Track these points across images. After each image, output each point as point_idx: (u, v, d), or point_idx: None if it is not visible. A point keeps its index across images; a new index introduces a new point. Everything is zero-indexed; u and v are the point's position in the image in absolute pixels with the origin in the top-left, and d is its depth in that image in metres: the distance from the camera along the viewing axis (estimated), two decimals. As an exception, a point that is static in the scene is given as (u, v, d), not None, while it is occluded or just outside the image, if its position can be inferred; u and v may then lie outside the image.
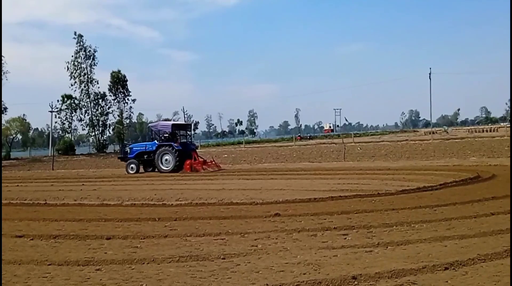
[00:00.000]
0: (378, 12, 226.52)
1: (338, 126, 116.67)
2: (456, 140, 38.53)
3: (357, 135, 75.85)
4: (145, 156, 22.89)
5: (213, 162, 23.03)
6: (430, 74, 53.13)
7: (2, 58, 57.59)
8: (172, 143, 22.15)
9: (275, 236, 6.99)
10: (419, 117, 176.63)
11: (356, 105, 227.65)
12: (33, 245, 7.09)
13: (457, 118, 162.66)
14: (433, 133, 55.12)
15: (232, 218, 8.72)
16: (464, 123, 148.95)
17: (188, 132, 25.27)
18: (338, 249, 6.06)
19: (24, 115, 79.32)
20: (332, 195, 10.90)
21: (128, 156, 23.42)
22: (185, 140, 23.76)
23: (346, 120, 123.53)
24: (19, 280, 5.19)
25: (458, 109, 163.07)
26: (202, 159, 23.00)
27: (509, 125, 54.03)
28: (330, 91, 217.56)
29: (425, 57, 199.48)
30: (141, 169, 23.21)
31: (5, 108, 59.53)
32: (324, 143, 48.95)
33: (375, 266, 5.18)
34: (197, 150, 23.69)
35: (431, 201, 9.89)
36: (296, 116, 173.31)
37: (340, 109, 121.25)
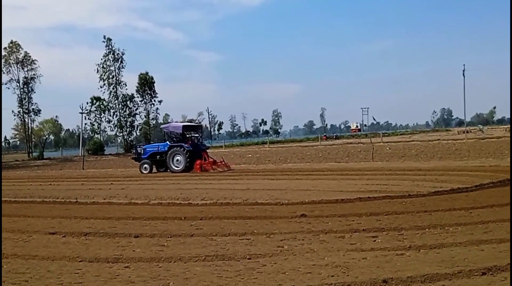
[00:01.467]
0: (406, 7, 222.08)
1: (365, 125, 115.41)
2: (492, 140, 37.44)
3: (386, 134, 74.68)
4: (157, 157, 23.41)
5: (223, 162, 23.26)
6: (463, 70, 52.18)
7: (36, 62, 59.42)
8: (183, 144, 22.64)
9: (302, 237, 6.93)
10: (452, 116, 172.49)
11: (384, 103, 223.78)
12: (65, 242, 7.25)
13: (493, 117, 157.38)
14: (467, 132, 53.66)
15: (257, 218, 8.69)
16: (501, 121, 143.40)
17: (199, 133, 25.71)
18: (367, 252, 5.95)
19: (56, 116, 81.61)
20: (360, 196, 10.71)
21: (142, 156, 24.02)
22: (196, 141, 24.20)
23: (374, 119, 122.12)
24: (52, 276, 5.31)
25: (494, 107, 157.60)
26: (212, 159, 23.31)
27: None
28: (357, 90, 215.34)
29: (459, 53, 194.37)
30: (154, 169, 23.66)
31: (39, 110, 61.44)
32: (351, 143, 48.48)
33: (407, 270, 5.06)
34: (207, 151, 24.13)
35: (466, 203, 9.62)
36: (321, 115, 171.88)
37: (368, 108, 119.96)
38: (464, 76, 51.78)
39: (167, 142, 23.67)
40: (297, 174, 18.14)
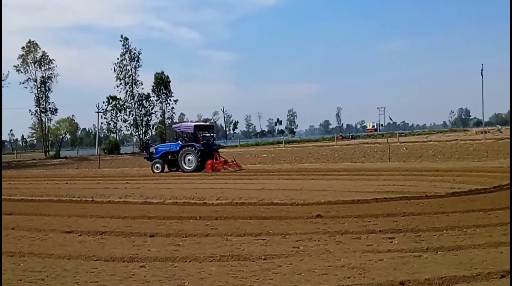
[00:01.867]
0: (423, 5, 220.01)
1: (382, 125, 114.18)
2: (511, 140, 36.78)
3: (403, 134, 74.00)
4: (169, 156, 23.56)
5: (234, 162, 23.31)
6: (482, 70, 51.32)
7: (53, 62, 60.21)
8: (194, 144, 22.74)
9: (317, 238, 6.86)
10: (470, 116, 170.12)
11: (401, 103, 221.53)
12: (81, 240, 7.30)
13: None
14: (486, 132, 52.81)
15: (272, 218, 8.64)
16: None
17: (210, 132, 25.86)
18: (384, 253, 5.86)
19: (73, 115, 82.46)
20: (377, 196, 10.58)
21: (154, 156, 24.17)
22: (208, 141, 24.33)
23: (391, 119, 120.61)
24: (68, 275, 5.35)
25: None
26: (224, 159, 23.38)
27: None
28: (374, 89, 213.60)
29: (477, 53, 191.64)
30: (166, 169, 23.85)
31: (56, 109, 62.26)
32: (367, 143, 48.13)
33: (424, 272, 4.97)
34: (219, 150, 24.29)
35: (485, 204, 9.42)
36: (337, 115, 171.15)
37: (384, 107, 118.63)
38: (482, 76, 50.97)
39: (179, 141, 23.82)
40: (312, 174, 18.04)
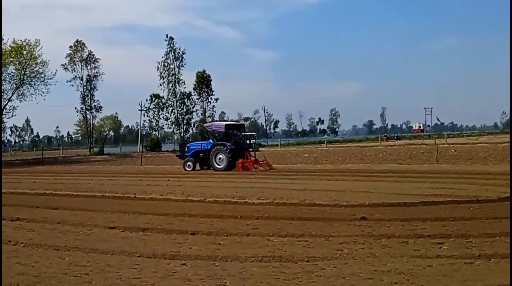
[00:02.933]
0: (473, 1, 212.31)
1: (428, 126, 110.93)
2: None
3: (451, 135, 71.67)
4: (200, 155, 23.88)
5: (265, 161, 23.28)
6: (537, 68, 48.86)
7: (99, 61, 62.22)
8: (226, 143, 22.86)
9: (362, 241, 6.65)
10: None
11: (449, 103, 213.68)
12: (124, 236, 7.40)
13: None
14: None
15: (315, 219, 8.46)
16: None
17: (241, 132, 26.00)
18: (433, 259, 5.60)
19: (116, 113, 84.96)
20: (424, 200, 10.17)
21: (186, 154, 24.55)
22: (240, 140, 24.48)
23: (438, 119, 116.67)
24: (112, 270, 5.41)
25: None
26: (254, 158, 23.36)
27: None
28: (420, 88, 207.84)
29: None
30: (197, 167, 24.15)
31: (100, 107, 64.39)
32: (413, 144, 46.92)
33: (476, 280, 4.71)
34: (250, 150, 24.25)
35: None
36: (381, 115, 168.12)
37: (431, 107, 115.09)
38: (538, 75, 48.54)
39: (210, 140, 24.14)
40: (356, 175, 17.64)
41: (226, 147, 22.61)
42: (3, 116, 46.64)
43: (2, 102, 45.53)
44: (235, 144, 23.23)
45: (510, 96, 31.70)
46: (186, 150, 24.85)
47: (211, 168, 22.97)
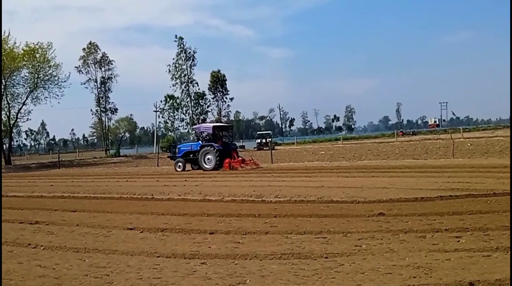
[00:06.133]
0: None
1: (444, 120, 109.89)
2: None
3: (467, 130, 70.83)
4: (190, 155, 24.87)
5: (252, 161, 23.96)
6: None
7: (113, 63, 62.65)
8: (213, 143, 23.78)
9: (380, 236, 6.65)
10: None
11: (465, 98, 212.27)
12: (143, 237, 7.47)
13: None
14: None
15: (333, 216, 8.47)
16: None
17: (229, 133, 26.95)
18: (451, 253, 5.59)
19: (131, 115, 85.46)
20: (441, 194, 10.12)
21: (176, 155, 25.58)
22: (227, 140, 25.31)
23: (454, 114, 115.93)
24: (132, 270, 5.46)
25: None
26: (241, 158, 24.17)
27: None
28: (435, 83, 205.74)
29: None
30: (188, 167, 25.08)
31: (116, 109, 64.80)
32: (429, 139, 46.54)
33: (495, 272, 4.69)
34: (237, 150, 25.43)
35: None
36: (397, 110, 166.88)
37: (447, 102, 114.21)
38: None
39: (199, 141, 25.02)
40: (373, 171, 17.55)
41: (214, 148, 23.54)
42: (18, 120, 47.17)
43: (17, 106, 46.09)
44: (223, 144, 24.13)
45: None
46: (177, 151, 25.85)
47: (201, 168, 23.86)
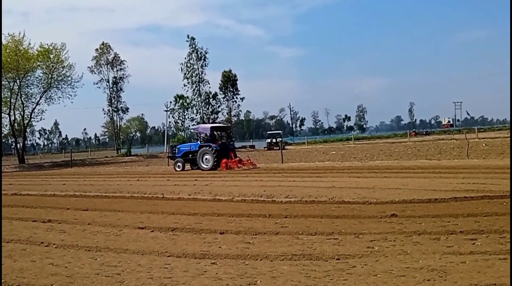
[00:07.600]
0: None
1: (458, 120, 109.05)
2: None
3: (481, 130, 70.05)
4: (189, 155, 25.23)
5: (249, 161, 24.20)
6: None
7: (124, 63, 63.14)
8: (211, 144, 24.15)
9: (393, 238, 6.55)
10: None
11: (479, 97, 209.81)
12: (154, 236, 7.47)
13: None
14: None
15: (344, 217, 8.38)
16: None
17: (227, 133, 27.45)
18: (466, 255, 5.48)
19: (142, 114, 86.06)
20: (456, 195, 9.96)
21: (176, 155, 25.98)
22: (225, 141, 25.84)
23: (468, 113, 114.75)
24: (143, 270, 5.46)
25: None
26: (238, 158, 24.34)
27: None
28: (449, 83, 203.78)
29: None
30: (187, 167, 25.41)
31: (127, 109, 65.42)
32: (443, 139, 46.12)
33: None
34: (235, 150, 25.76)
35: None
36: (410, 110, 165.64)
37: (461, 102, 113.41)
38: None
39: (198, 142, 25.40)
40: (385, 171, 17.38)
41: (212, 148, 23.87)
42: (32, 119, 47.79)
43: (31, 105, 46.83)
44: (221, 145, 24.53)
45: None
46: (176, 151, 26.20)
47: (199, 168, 24.17)
